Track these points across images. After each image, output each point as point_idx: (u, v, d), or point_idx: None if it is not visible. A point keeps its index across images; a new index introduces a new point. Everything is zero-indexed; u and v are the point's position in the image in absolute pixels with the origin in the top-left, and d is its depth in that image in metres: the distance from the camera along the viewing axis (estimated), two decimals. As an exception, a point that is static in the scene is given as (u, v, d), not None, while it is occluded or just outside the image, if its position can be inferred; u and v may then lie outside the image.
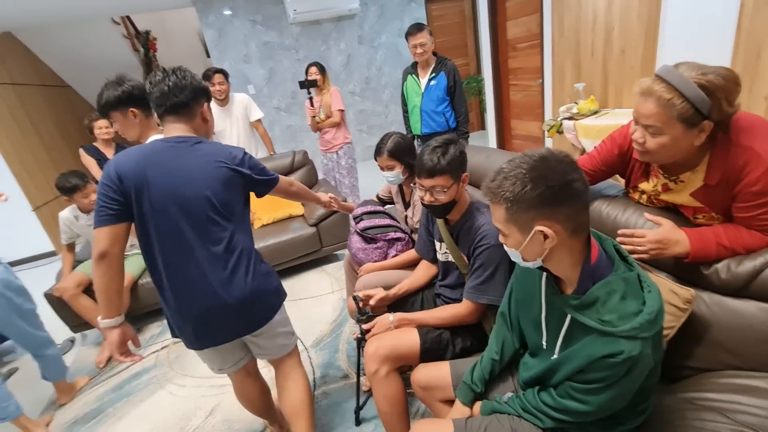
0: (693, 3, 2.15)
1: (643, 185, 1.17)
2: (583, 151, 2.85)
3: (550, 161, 0.75)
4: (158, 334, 2.47)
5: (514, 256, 0.84)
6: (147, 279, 2.42)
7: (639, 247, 1.00)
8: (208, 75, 2.91)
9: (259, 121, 3.15)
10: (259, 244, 2.61)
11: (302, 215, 2.89)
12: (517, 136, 4.38)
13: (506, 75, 4.21)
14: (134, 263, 2.43)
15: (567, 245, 0.78)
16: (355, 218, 1.85)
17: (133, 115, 1.29)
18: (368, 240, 1.79)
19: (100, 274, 1.07)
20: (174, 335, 1.24)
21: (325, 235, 2.76)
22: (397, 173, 1.67)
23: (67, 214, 2.35)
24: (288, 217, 2.87)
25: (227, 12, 4.82)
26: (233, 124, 3.06)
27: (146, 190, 1.08)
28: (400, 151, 1.65)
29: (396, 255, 1.78)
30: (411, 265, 1.74)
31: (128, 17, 6.21)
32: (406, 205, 1.84)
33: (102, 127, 2.85)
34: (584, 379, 0.79)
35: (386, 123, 5.97)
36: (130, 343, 1.19)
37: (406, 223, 1.85)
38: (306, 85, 3.03)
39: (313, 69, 3.11)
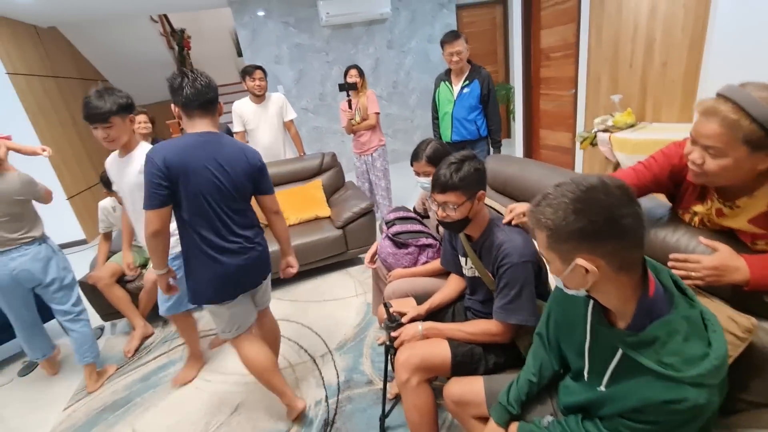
0: (745, 15, 2.07)
1: (697, 207, 1.12)
2: (617, 165, 2.78)
3: (597, 193, 0.69)
4: (184, 327, 2.52)
5: (557, 281, 0.81)
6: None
7: (693, 273, 0.96)
8: (248, 70, 2.97)
9: (291, 121, 3.20)
10: (285, 244, 2.64)
11: (329, 217, 2.91)
12: (545, 146, 4.30)
13: (537, 84, 4.15)
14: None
15: (613, 280, 0.73)
16: (387, 223, 1.85)
17: (129, 121, 1.61)
18: (399, 245, 1.79)
19: (156, 244, 1.36)
20: (198, 302, 1.48)
21: (351, 237, 2.77)
22: None
23: (106, 203, 2.46)
24: (314, 219, 2.89)
25: (261, 13, 4.91)
26: (267, 121, 3.09)
27: (190, 177, 1.32)
28: (438, 157, 1.64)
29: (426, 262, 1.77)
30: (441, 274, 1.73)
31: (165, 15, 6.41)
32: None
33: (141, 122, 2.92)
34: (640, 419, 0.74)
35: (412, 127, 5.97)
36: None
37: (437, 231, 1.84)
38: (346, 87, 3.05)
39: (353, 71, 3.13)
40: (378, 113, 3.26)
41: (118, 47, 5.49)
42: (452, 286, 1.54)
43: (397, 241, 1.78)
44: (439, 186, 1.21)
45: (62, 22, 4.70)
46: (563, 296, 0.95)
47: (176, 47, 6.45)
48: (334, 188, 3.18)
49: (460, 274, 1.51)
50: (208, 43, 7.44)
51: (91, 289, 2.36)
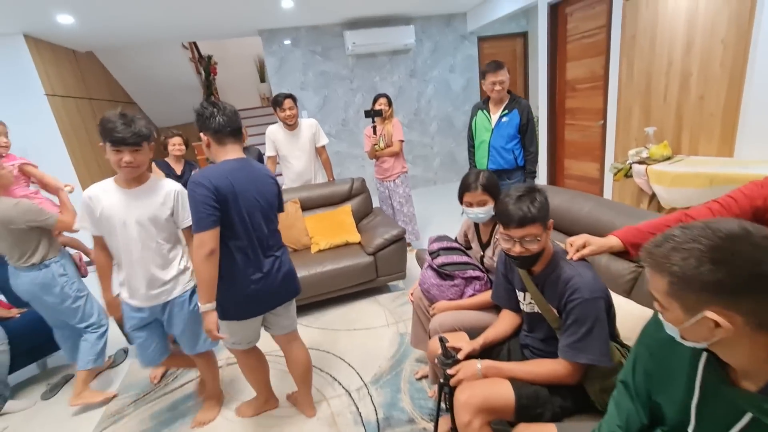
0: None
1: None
2: (653, 197, 2.73)
3: (741, 243, 0.62)
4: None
5: (671, 330, 0.74)
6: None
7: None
8: (278, 101, 3.00)
9: (323, 147, 3.23)
10: (315, 270, 2.59)
11: (359, 243, 2.87)
12: (570, 175, 4.27)
13: (562, 114, 4.17)
14: None
15: (748, 338, 0.65)
16: (431, 253, 1.80)
17: (149, 148, 1.57)
18: (445, 276, 1.73)
19: (210, 267, 1.38)
20: (228, 317, 1.52)
21: (382, 264, 2.72)
22: (489, 209, 1.63)
23: None
24: (345, 244, 2.85)
25: (287, 42, 5.07)
26: (299, 147, 3.13)
27: (238, 199, 1.41)
28: (492, 186, 1.62)
29: (473, 295, 1.71)
30: (488, 308, 1.66)
31: (195, 43, 6.65)
32: (484, 246, 1.77)
33: (176, 144, 2.99)
34: None
35: (431, 154, 6.00)
36: None
37: (482, 263, 1.79)
38: (372, 114, 3.16)
39: (383, 100, 3.24)
40: (402, 141, 3.37)
41: (148, 72, 5.68)
42: (506, 321, 1.48)
43: (443, 273, 1.73)
44: (516, 220, 1.16)
45: (99, 47, 4.89)
46: (656, 343, 0.88)
47: (203, 73, 6.66)
48: (363, 214, 3.16)
49: (515, 309, 1.45)
50: (233, 69, 7.68)
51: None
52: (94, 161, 4.57)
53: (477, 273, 1.70)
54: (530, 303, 1.33)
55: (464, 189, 1.66)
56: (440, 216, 4.62)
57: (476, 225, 1.80)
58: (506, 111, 2.52)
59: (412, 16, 5.30)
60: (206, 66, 6.70)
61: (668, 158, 2.74)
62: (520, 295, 1.38)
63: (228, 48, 7.52)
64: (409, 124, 5.74)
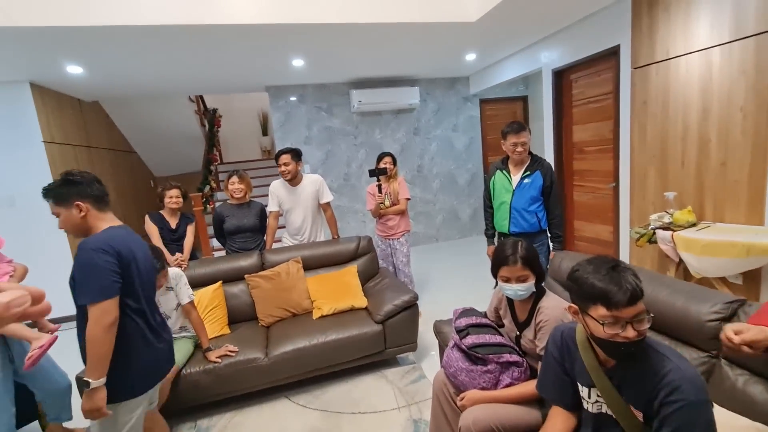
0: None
1: None
2: (680, 263, 2.56)
3: None
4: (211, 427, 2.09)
5: None
6: (191, 369, 2.12)
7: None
8: (277, 156, 2.94)
9: (328, 203, 3.09)
10: (316, 339, 2.31)
11: (366, 308, 2.61)
12: (582, 237, 4.14)
13: (570, 176, 4.13)
14: (182, 348, 2.16)
15: None
16: (459, 331, 1.56)
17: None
18: (476, 360, 1.48)
19: (112, 338, 1.30)
20: (132, 394, 1.40)
21: (391, 334, 2.44)
22: (530, 285, 1.43)
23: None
24: (350, 309, 2.59)
25: (293, 98, 5.14)
26: (301, 203, 2.98)
27: (139, 264, 1.42)
28: (533, 259, 1.43)
29: (510, 383, 1.45)
30: (531, 401, 1.40)
31: (201, 96, 6.77)
32: (522, 324, 1.54)
33: (173, 197, 2.83)
34: None
35: (434, 211, 5.90)
36: None
37: (518, 344, 1.55)
38: (377, 173, 3.12)
39: (388, 159, 3.24)
40: (409, 198, 3.32)
41: (153, 122, 5.68)
42: (560, 422, 1.21)
43: (474, 355, 1.48)
44: (628, 298, 0.94)
45: (106, 97, 4.90)
46: None
47: (207, 125, 6.70)
48: (370, 275, 2.93)
49: (571, 407, 1.19)
50: (236, 122, 7.79)
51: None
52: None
53: (515, 357, 1.46)
54: (598, 402, 1.08)
55: (500, 262, 1.46)
56: (443, 276, 4.43)
57: (509, 300, 1.58)
58: (528, 172, 2.42)
59: (417, 78, 5.46)
60: (211, 118, 6.77)
61: (693, 224, 2.61)
62: (582, 390, 1.13)
63: (233, 101, 7.68)
64: (411, 180, 5.69)
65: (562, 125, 4.11)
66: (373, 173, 3.12)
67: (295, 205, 2.99)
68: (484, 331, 1.54)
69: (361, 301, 2.61)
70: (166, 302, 2.14)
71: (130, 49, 3.09)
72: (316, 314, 2.56)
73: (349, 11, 2.99)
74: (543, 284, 1.53)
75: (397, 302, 2.45)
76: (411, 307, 2.47)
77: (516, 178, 2.44)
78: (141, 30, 2.70)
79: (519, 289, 1.43)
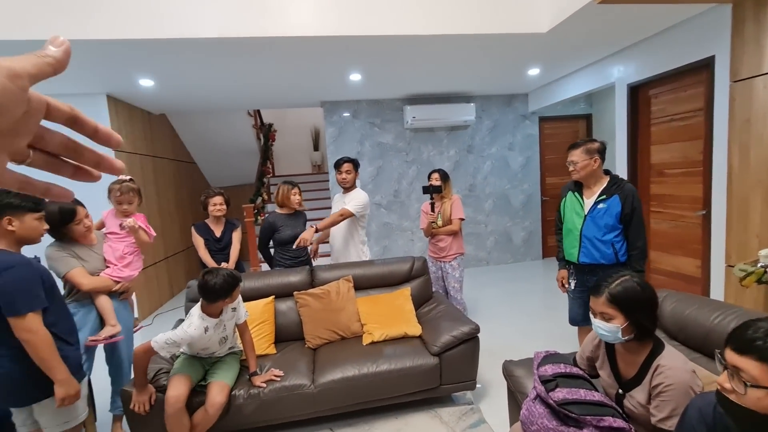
0: None
1: None
2: (799, 312, 2.12)
3: None
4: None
5: None
6: (235, 391, 2.00)
7: None
8: (338, 163, 2.89)
9: (348, 210, 2.80)
10: (366, 369, 2.12)
11: (420, 336, 2.39)
12: (659, 270, 3.67)
13: (646, 201, 3.70)
14: (233, 366, 2.03)
15: None
16: (544, 382, 1.31)
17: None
18: (567, 420, 1.22)
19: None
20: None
21: (448, 369, 2.20)
22: (614, 328, 1.17)
23: (196, 324, 1.78)
24: (403, 336, 2.38)
25: (346, 114, 5.12)
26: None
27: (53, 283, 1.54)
28: (628, 301, 1.16)
29: (611, 455, 1.17)
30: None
31: (259, 111, 7.00)
32: (626, 383, 1.26)
33: (216, 204, 2.82)
34: None
35: (485, 232, 5.60)
36: None
37: (621, 405, 1.27)
38: (431, 190, 2.97)
39: (435, 175, 3.08)
40: (462, 219, 3.08)
41: (213, 135, 5.91)
42: None
43: (565, 414, 1.22)
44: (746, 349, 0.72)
45: (172, 110, 5.15)
46: None
47: (262, 139, 6.89)
48: (424, 299, 2.72)
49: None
50: (289, 136, 7.98)
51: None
52: (157, 214, 4.63)
53: (620, 423, 1.18)
54: None
55: (592, 290, 1.23)
56: (496, 303, 4.11)
57: (610, 348, 1.31)
58: (604, 196, 2.11)
59: (472, 95, 5.28)
60: (266, 133, 6.96)
61: (818, 264, 2.17)
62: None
63: (287, 117, 7.89)
64: (463, 199, 5.41)
65: (638, 145, 3.73)
66: (426, 190, 2.96)
67: (337, 209, 2.92)
68: (578, 384, 1.27)
69: (415, 329, 2.40)
70: (230, 323, 1.97)
71: (198, 62, 3.18)
72: (366, 339, 2.37)
73: (414, 23, 2.89)
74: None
75: (455, 333, 2.21)
76: (471, 340, 2.23)
77: (589, 201, 2.14)
78: (208, 43, 2.76)
79: (600, 328, 1.18)
